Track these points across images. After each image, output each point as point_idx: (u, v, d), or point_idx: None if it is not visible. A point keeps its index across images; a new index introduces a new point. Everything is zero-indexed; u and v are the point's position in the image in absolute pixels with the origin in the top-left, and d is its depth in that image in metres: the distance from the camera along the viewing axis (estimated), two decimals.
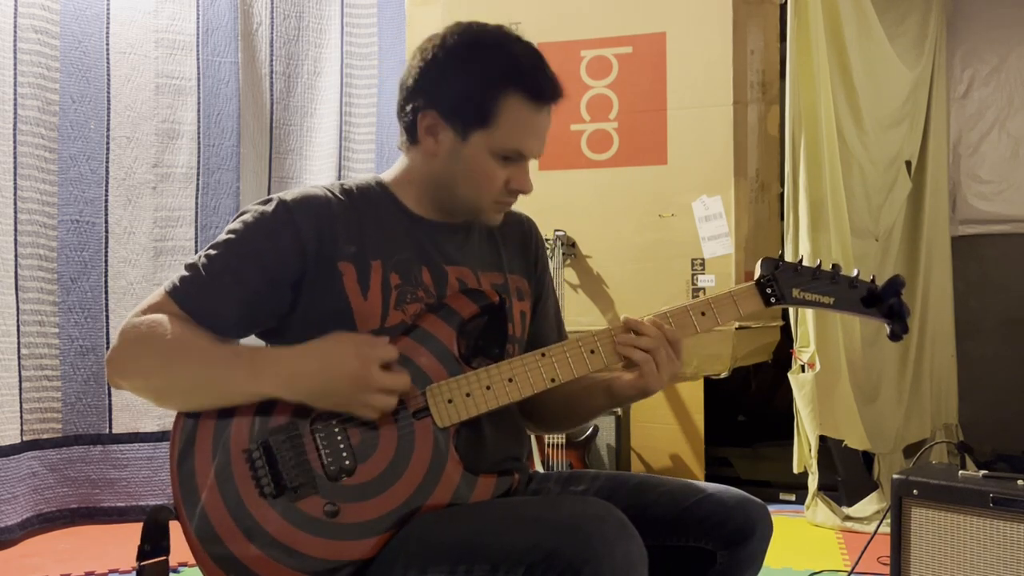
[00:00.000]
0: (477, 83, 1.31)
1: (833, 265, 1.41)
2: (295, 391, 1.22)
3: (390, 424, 1.26)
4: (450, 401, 1.27)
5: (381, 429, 1.25)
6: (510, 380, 1.30)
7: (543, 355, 1.31)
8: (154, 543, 1.29)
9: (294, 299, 1.31)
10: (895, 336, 1.41)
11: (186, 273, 1.30)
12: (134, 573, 2.67)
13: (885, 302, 1.40)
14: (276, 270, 1.29)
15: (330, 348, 1.23)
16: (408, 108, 1.36)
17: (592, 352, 1.33)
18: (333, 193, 1.36)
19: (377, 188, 1.41)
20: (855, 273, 1.41)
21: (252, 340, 1.36)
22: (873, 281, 1.40)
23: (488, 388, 1.29)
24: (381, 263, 1.33)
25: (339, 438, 1.25)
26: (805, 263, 1.41)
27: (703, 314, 1.37)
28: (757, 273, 1.40)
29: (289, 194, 1.34)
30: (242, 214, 1.34)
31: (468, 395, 1.28)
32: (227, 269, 1.29)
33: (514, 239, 1.52)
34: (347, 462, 1.24)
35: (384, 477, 1.24)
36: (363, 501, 1.23)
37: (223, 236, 1.32)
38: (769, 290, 1.38)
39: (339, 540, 1.22)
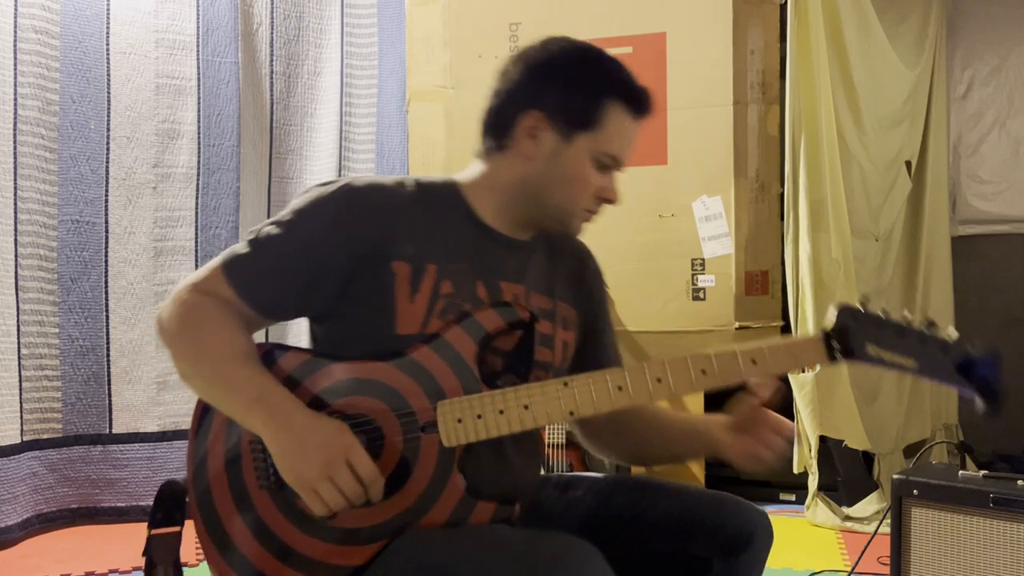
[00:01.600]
0: (585, 87, 1.33)
1: (929, 322, 1.25)
2: (276, 441, 1.19)
3: (397, 434, 1.24)
4: (459, 420, 1.23)
5: (387, 438, 1.24)
6: (526, 407, 1.24)
7: (565, 384, 1.25)
8: (167, 512, 1.29)
9: (341, 290, 1.29)
10: (988, 414, 1.25)
11: (243, 250, 1.29)
12: (134, 573, 2.68)
13: (980, 374, 1.25)
14: (328, 260, 1.28)
15: (321, 424, 1.20)
16: (505, 112, 1.36)
17: (620, 389, 1.25)
18: (404, 187, 1.35)
19: (450, 191, 1.39)
20: (953, 337, 1.25)
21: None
22: (968, 347, 1.26)
23: (501, 412, 1.24)
24: (436, 268, 1.30)
25: None
26: (892, 315, 1.25)
27: (754, 362, 1.25)
28: (830, 320, 1.25)
29: (359, 181, 1.33)
30: (305, 194, 1.32)
31: (479, 417, 1.23)
32: (280, 253, 1.28)
33: (569, 267, 1.49)
34: None
35: (385, 486, 1.22)
36: (360, 508, 1.21)
37: (285, 215, 1.31)
38: (837, 344, 1.24)
39: (331, 543, 1.22)
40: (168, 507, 1.29)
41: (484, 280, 1.34)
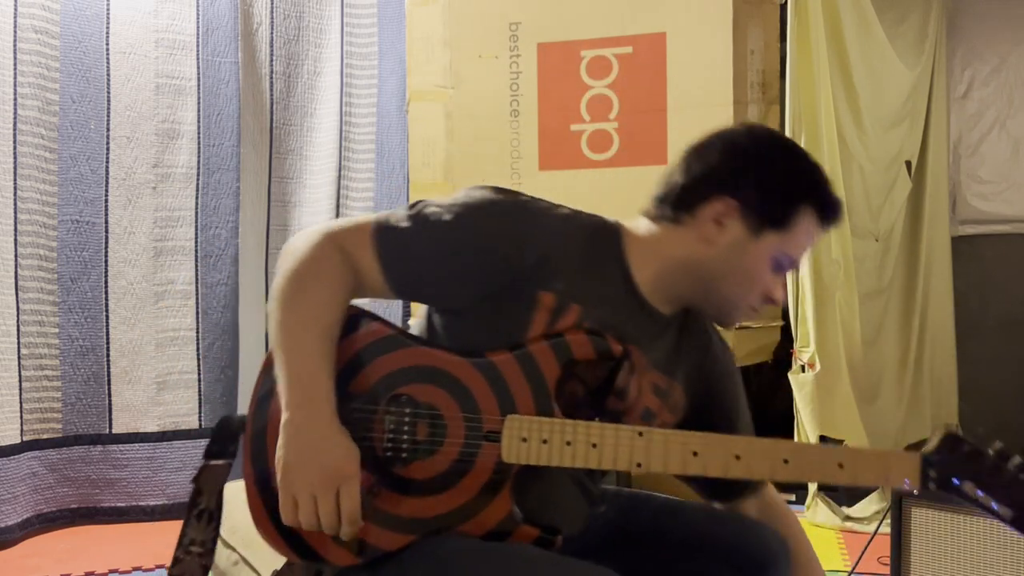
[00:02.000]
0: (786, 187, 1.30)
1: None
2: (284, 433, 1.19)
3: (459, 434, 1.22)
4: (524, 440, 1.20)
5: (449, 436, 1.22)
6: (594, 445, 1.20)
7: (640, 434, 1.21)
8: (222, 445, 1.30)
9: (478, 296, 1.27)
10: None
11: (401, 223, 1.27)
12: (134, 573, 2.68)
13: None
14: (480, 267, 1.26)
15: (342, 441, 1.18)
16: (696, 190, 1.31)
17: (695, 455, 1.20)
18: (572, 221, 1.32)
19: (614, 239, 1.34)
20: None
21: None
22: None
23: (568, 444, 1.20)
24: (580, 310, 1.27)
25: (407, 428, 1.22)
26: (990, 447, 1.16)
27: (840, 466, 1.18)
28: (932, 445, 1.18)
29: (533, 204, 1.31)
30: (479, 193, 1.30)
31: (545, 442, 1.20)
32: (438, 241, 1.26)
33: (696, 352, 1.43)
34: (405, 453, 1.22)
35: (432, 482, 1.21)
36: (405, 496, 1.21)
37: (458, 207, 1.27)
38: (934, 472, 1.17)
39: (369, 521, 1.20)
40: (223, 440, 1.30)
41: (615, 339, 1.29)
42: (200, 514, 1.30)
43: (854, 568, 2.40)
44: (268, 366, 1.26)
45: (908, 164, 3.76)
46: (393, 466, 1.22)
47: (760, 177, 1.30)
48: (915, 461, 1.17)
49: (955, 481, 1.16)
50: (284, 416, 1.19)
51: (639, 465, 1.20)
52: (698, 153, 1.35)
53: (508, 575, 1.16)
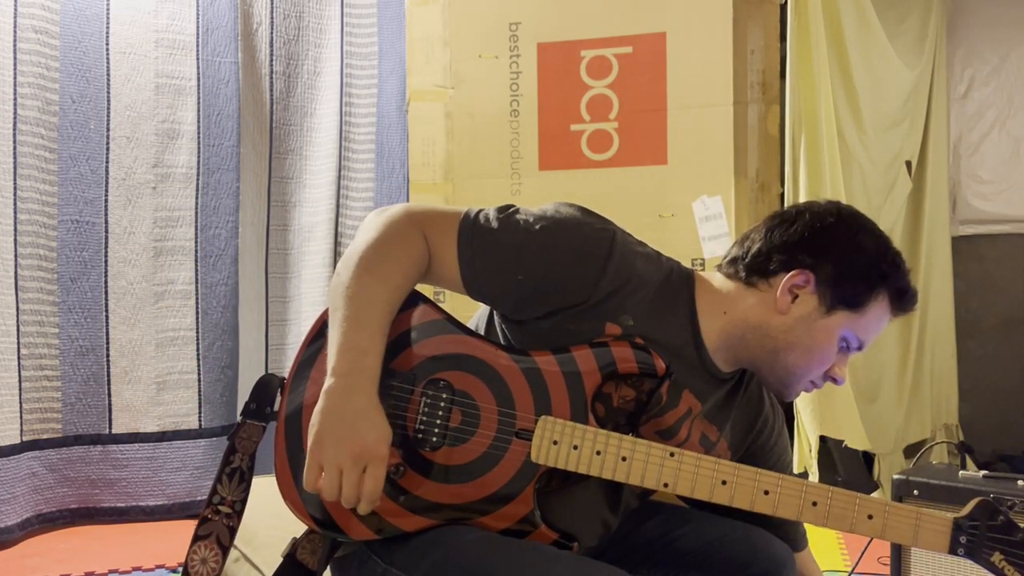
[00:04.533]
0: (867, 271, 1.30)
1: None
2: (323, 399, 1.18)
3: (491, 427, 1.23)
4: (555, 442, 1.21)
5: (481, 427, 1.23)
6: (623, 459, 1.20)
7: (672, 455, 1.21)
8: (260, 405, 1.30)
9: (544, 316, 1.27)
10: None
11: (492, 223, 1.28)
12: (134, 573, 2.68)
13: None
14: (553, 290, 1.26)
15: (375, 419, 1.18)
16: (777, 258, 1.32)
17: (724, 483, 1.20)
18: (653, 263, 1.33)
19: (687, 289, 1.35)
20: None
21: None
22: None
23: (598, 453, 1.20)
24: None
25: (441, 412, 1.24)
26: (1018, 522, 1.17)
27: (870, 518, 1.18)
28: (966, 510, 1.18)
29: (623, 237, 1.31)
30: (574, 212, 1.30)
31: (575, 448, 1.21)
32: (521, 252, 1.26)
33: (747, 416, 1.44)
34: (435, 437, 1.23)
35: (459, 471, 1.23)
36: (429, 480, 1.22)
37: (548, 220, 1.28)
38: (964, 539, 1.17)
39: (390, 499, 1.22)
40: (261, 400, 1.30)
41: (673, 384, 1.31)
42: (232, 472, 1.30)
43: (854, 568, 2.40)
44: (318, 329, 1.27)
45: (908, 164, 3.76)
46: (422, 448, 1.23)
47: (842, 255, 1.30)
48: (947, 525, 1.17)
49: (986, 552, 1.16)
50: (327, 382, 1.19)
51: (666, 485, 1.20)
52: (783, 221, 1.35)
53: (523, 571, 1.17)
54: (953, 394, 4.03)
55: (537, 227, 1.27)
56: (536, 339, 1.28)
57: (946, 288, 4.00)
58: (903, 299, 1.33)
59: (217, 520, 1.29)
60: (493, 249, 1.27)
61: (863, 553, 2.33)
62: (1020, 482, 1.93)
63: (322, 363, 1.25)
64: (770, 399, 1.48)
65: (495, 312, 1.36)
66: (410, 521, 1.22)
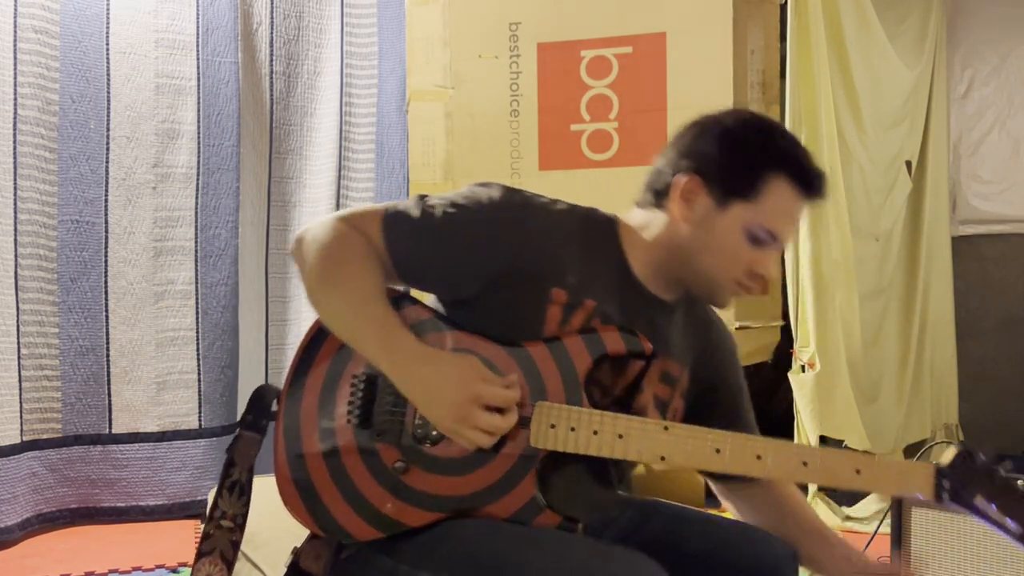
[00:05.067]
0: (750, 156, 1.31)
1: None
2: (404, 388, 1.23)
3: (514, 412, 1.24)
4: (552, 426, 1.23)
5: None
6: (620, 436, 1.23)
7: (666, 428, 1.24)
8: (256, 417, 1.32)
9: (483, 291, 1.30)
10: None
11: (411, 212, 1.31)
12: (134, 573, 2.68)
13: None
14: (481, 261, 1.29)
15: (447, 369, 1.22)
16: (666, 170, 1.35)
17: (717, 452, 1.22)
18: (572, 215, 1.35)
19: (610, 231, 1.38)
20: None
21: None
22: None
23: (595, 433, 1.23)
24: (595, 305, 1.30)
25: None
26: (1003, 471, 1.22)
27: (858, 472, 1.22)
28: (947, 458, 1.22)
29: (537, 199, 1.34)
30: (486, 187, 1.33)
31: (573, 429, 1.23)
32: (442, 231, 1.29)
33: (699, 338, 1.46)
34: (435, 432, 1.25)
35: (461, 462, 1.24)
36: (432, 473, 1.24)
37: (461, 199, 1.32)
38: (948, 484, 1.21)
39: (394, 496, 1.24)
40: (258, 412, 1.32)
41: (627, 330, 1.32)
42: (232, 486, 1.31)
43: None
44: (311, 337, 1.30)
45: (908, 164, 3.77)
46: (423, 443, 1.25)
47: (723, 149, 1.32)
48: (930, 473, 1.21)
49: (968, 495, 1.20)
50: (385, 366, 1.23)
51: (663, 458, 1.23)
52: (675, 137, 1.38)
53: (541, 556, 1.17)
54: (953, 394, 4.03)
55: (454, 208, 1.30)
56: (485, 318, 1.30)
57: (946, 288, 4.01)
58: (804, 179, 1.32)
59: (220, 535, 1.30)
60: (415, 234, 1.30)
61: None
62: (1020, 482, 1.93)
63: (317, 371, 1.28)
64: (720, 323, 1.51)
65: (440, 304, 1.38)
66: (416, 516, 1.23)
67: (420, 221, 1.30)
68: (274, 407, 1.32)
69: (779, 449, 1.23)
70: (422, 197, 1.33)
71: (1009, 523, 1.19)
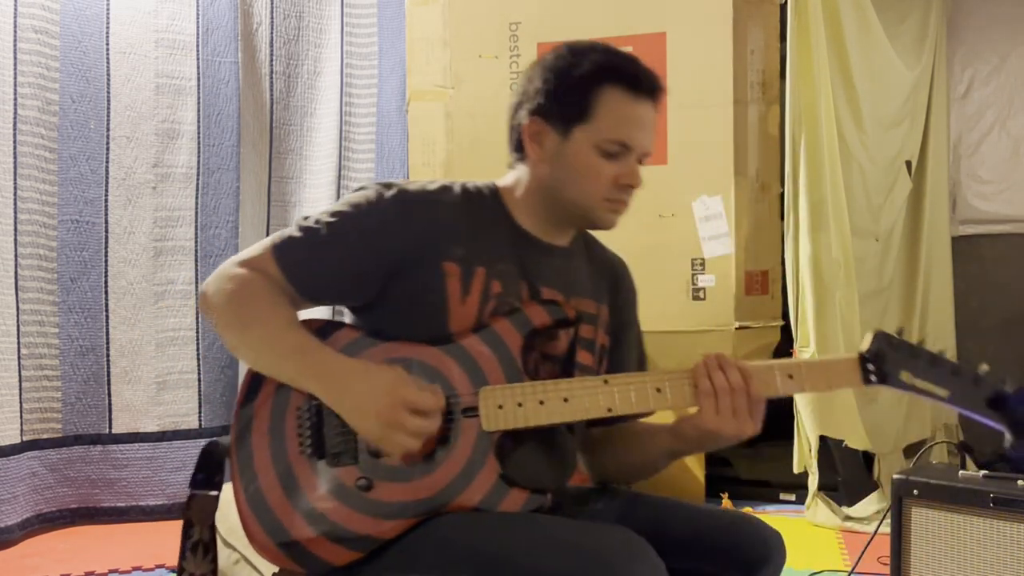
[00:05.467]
0: (574, 80, 1.35)
1: (960, 359, 1.29)
2: (334, 404, 1.25)
3: (437, 416, 1.26)
4: (500, 407, 1.27)
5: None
6: (565, 400, 1.28)
7: (605, 382, 1.29)
8: (208, 474, 1.31)
9: (385, 287, 1.33)
10: (1017, 451, 1.30)
11: (295, 234, 1.34)
12: (134, 573, 2.68)
13: (1013, 410, 1.28)
14: (374, 257, 1.32)
15: (372, 379, 1.24)
16: (514, 123, 1.41)
17: (658, 391, 1.29)
18: (452, 192, 1.39)
19: (493, 196, 1.43)
20: (983, 369, 1.29)
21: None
22: (1003, 382, 1.29)
23: (541, 403, 1.27)
24: (485, 270, 1.34)
25: None
26: (927, 346, 1.28)
27: (790, 377, 1.28)
28: (866, 345, 1.28)
29: (410, 185, 1.37)
30: (361, 190, 1.37)
31: (520, 405, 1.27)
32: (330, 242, 1.32)
33: (607, 276, 1.52)
34: None
35: (422, 465, 1.26)
36: (396, 483, 1.25)
37: (340, 207, 1.35)
38: (872, 367, 1.28)
39: (364, 514, 1.24)
40: (209, 469, 1.31)
41: (528, 282, 1.38)
42: (195, 546, 1.30)
43: (854, 568, 2.40)
44: (245, 396, 1.31)
45: (908, 164, 3.76)
46: (380, 456, 1.26)
47: (547, 85, 1.36)
48: (854, 361, 1.28)
49: (894, 373, 1.26)
50: (317, 392, 1.25)
51: (610, 410, 1.28)
52: (514, 93, 1.43)
53: (523, 536, 1.19)
54: None
55: (332, 216, 1.33)
56: (396, 316, 1.33)
57: (946, 288, 4.00)
58: (630, 80, 1.35)
59: None
60: (306, 252, 1.32)
61: (863, 553, 2.33)
62: (1020, 482, 1.93)
63: (261, 415, 1.29)
64: (616, 257, 1.56)
65: (354, 316, 1.41)
66: (390, 528, 1.25)
67: (307, 239, 1.32)
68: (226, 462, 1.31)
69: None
70: (304, 218, 1.35)
71: (936, 390, 1.27)
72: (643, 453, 1.43)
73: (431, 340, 1.31)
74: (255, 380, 1.31)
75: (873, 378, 1.28)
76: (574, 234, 1.46)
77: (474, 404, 1.27)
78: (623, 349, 1.52)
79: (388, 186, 1.36)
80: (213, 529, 1.30)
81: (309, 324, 1.32)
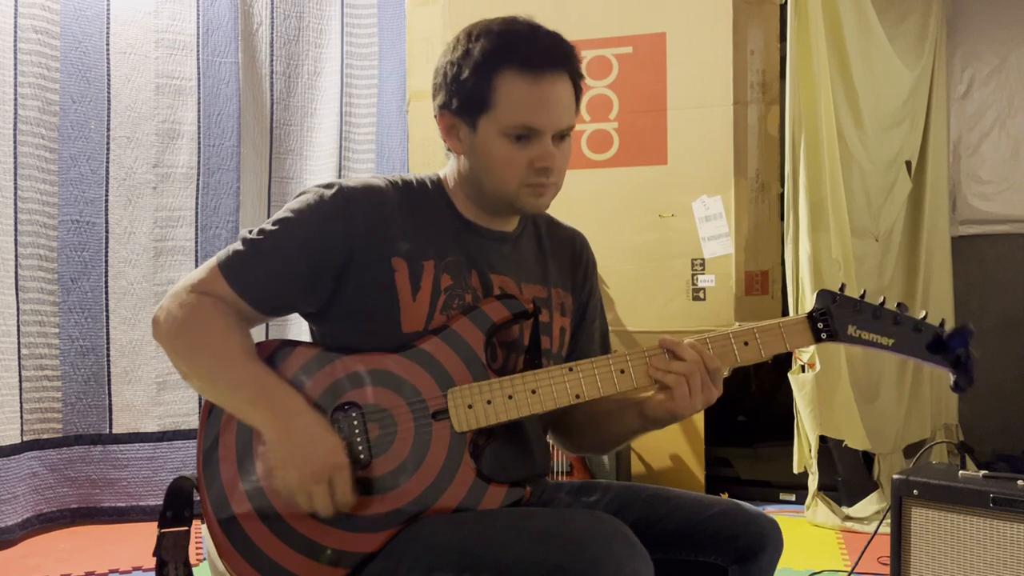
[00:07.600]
0: (470, 71, 1.33)
1: (899, 304, 1.33)
2: (272, 439, 1.23)
3: (408, 422, 1.26)
4: (470, 406, 1.27)
5: (399, 426, 1.27)
6: (533, 392, 1.28)
7: (570, 370, 1.30)
8: (176, 511, 1.29)
9: (337, 288, 1.32)
10: (959, 388, 1.34)
11: (239, 247, 1.32)
12: (134, 573, 2.68)
13: (952, 351, 1.33)
14: (322, 258, 1.31)
15: (318, 439, 1.22)
16: (435, 119, 1.40)
17: (622, 372, 1.30)
18: (394, 186, 1.38)
19: (436, 188, 1.43)
20: (922, 315, 1.34)
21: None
22: (941, 326, 1.34)
23: (510, 398, 1.28)
24: (433, 264, 1.34)
25: (358, 430, 1.26)
26: (867, 299, 1.34)
27: (746, 344, 1.32)
28: (811, 305, 1.34)
29: (351, 182, 1.36)
30: (302, 195, 1.36)
31: (489, 402, 1.28)
32: (276, 249, 1.31)
33: (563, 254, 1.51)
34: (362, 455, 1.25)
35: (396, 474, 1.25)
36: (375, 494, 1.25)
37: (280, 214, 1.34)
38: (821, 325, 1.33)
39: (344, 530, 1.24)
40: (177, 505, 1.29)
41: (477, 271, 1.38)
42: None
43: (854, 568, 2.40)
44: (205, 425, 1.29)
45: (908, 164, 3.76)
46: (356, 470, 1.25)
47: (450, 80, 1.35)
48: (803, 320, 1.33)
49: (840, 328, 1.32)
50: (260, 427, 1.24)
51: (578, 396, 1.29)
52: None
53: (506, 529, 1.20)
54: (953, 394, 4.02)
55: (277, 227, 1.32)
56: (351, 318, 1.32)
57: (946, 288, 4.00)
58: (524, 61, 1.31)
59: None
60: (253, 264, 1.31)
61: (863, 553, 2.33)
62: (1020, 482, 1.93)
63: (226, 442, 1.27)
64: (573, 231, 1.56)
65: (310, 326, 1.40)
66: (372, 540, 1.24)
67: (251, 250, 1.31)
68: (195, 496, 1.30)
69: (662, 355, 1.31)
70: (248, 231, 1.34)
71: (881, 340, 1.32)
72: (614, 431, 1.43)
73: (390, 346, 1.30)
74: (213, 408, 1.30)
75: (824, 335, 1.32)
76: (518, 218, 1.45)
77: (443, 407, 1.27)
78: (591, 331, 1.53)
79: (329, 186, 1.35)
80: (188, 565, 1.28)
81: (266, 346, 1.30)
